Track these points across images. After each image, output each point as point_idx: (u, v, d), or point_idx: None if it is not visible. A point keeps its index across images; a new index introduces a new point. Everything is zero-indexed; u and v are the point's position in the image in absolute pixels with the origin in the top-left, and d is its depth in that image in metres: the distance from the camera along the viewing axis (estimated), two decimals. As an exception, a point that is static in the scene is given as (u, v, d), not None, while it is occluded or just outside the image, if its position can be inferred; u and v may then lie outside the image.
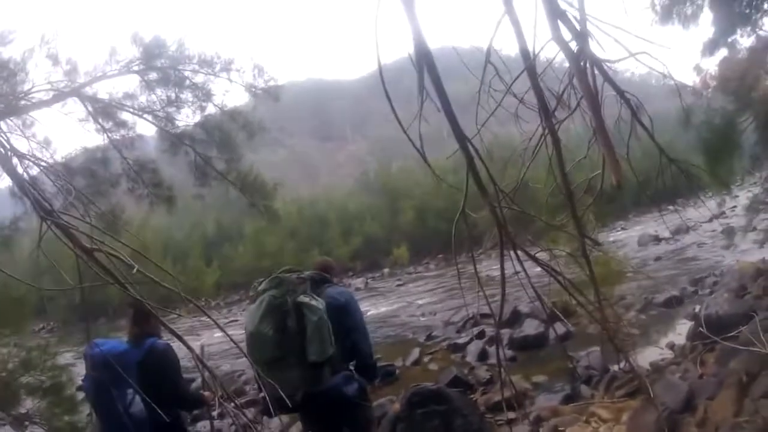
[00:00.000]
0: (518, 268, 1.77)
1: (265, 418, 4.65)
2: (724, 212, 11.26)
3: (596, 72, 2.29)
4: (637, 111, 2.92)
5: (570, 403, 4.15)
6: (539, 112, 1.95)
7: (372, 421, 3.13)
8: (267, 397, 2.05)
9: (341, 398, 2.72)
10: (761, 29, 6.64)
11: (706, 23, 7.77)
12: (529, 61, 1.81)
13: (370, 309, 11.31)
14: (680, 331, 5.50)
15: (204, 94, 8.22)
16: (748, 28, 6.73)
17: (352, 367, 2.92)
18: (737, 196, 10.91)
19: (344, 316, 2.83)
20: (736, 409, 3.08)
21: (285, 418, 4.26)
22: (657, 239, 13.05)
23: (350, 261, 21.31)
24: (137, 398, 2.40)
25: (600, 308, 2.15)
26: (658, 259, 10.68)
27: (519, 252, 1.80)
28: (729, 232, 8.34)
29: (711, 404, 3.26)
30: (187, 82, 8.09)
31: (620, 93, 2.87)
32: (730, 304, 4.84)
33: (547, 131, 2.04)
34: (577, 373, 4.69)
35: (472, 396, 4.66)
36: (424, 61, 1.47)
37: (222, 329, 1.98)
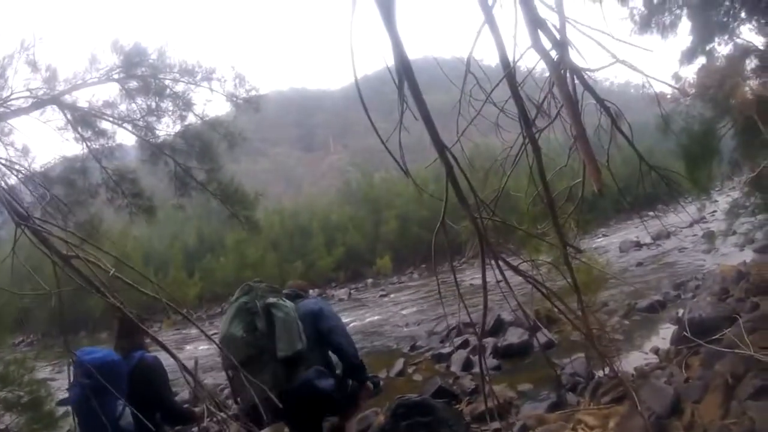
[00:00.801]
0: (500, 277, 1.73)
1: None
2: (704, 217, 11.47)
3: (576, 81, 2.29)
4: (616, 119, 2.92)
5: (556, 410, 4.08)
6: (519, 121, 1.95)
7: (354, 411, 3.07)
8: (258, 406, 2.00)
9: (315, 393, 2.70)
10: (738, 37, 6.81)
11: (683, 32, 7.92)
12: (508, 69, 1.79)
13: (354, 320, 11.15)
14: (664, 336, 5.49)
15: (184, 104, 8.14)
16: (726, 37, 6.88)
17: (339, 372, 2.90)
18: (716, 201, 11.15)
19: (320, 320, 2.88)
20: (723, 412, 3.05)
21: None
22: (638, 245, 13.20)
23: (333, 272, 21.10)
24: (127, 411, 2.31)
25: (583, 315, 2.13)
26: (639, 264, 10.78)
27: (500, 262, 1.78)
28: (709, 237, 8.48)
29: (698, 407, 3.22)
30: (168, 91, 8.03)
31: (600, 101, 2.87)
32: (713, 308, 4.85)
33: (527, 140, 2.04)
34: (562, 380, 4.64)
35: (457, 406, 4.56)
36: (403, 69, 1.43)
37: (207, 336, 1.94)
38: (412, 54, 1.45)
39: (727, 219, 7.27)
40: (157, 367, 2.49)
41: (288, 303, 2.83)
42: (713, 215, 12.31)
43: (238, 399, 2.97)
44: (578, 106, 2.64)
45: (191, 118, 8.24)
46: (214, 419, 1.89)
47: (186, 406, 2.87)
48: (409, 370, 6.61)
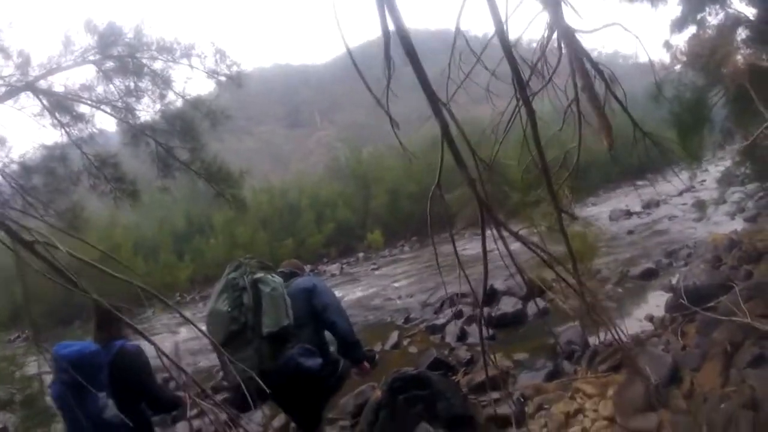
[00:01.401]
0: (493, 245, 1.65)
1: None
2: (693, 186, 11.49)
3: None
4: (610, 84, 2.80)
5: (553, 380, 4.08)
6: (513, 83, 1.85)
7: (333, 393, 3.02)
8: (244, 390, 1.90)
9: (299, 371, 2.62)
10: (730, 7, 6.67)
11: (674, 1, 7.76)
12: (500, 25, 1.65)
13: (347, 294, 11.12)
14: (658, 303, 5.49)
15: (164, 82, 7.93)
16: (717, 6, 6.74)
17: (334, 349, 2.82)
18: (707, 170, 11.17)
19: (314, 296, 2.81)
20: (723, 380, 3.04)
21: (267, 410, 4.07)
22: (628, 213, 13.23)
23: (324, 248, 20.98)
24: (110, 403, 2.22)
25: (580, 282, 2.07)
26: (630, 232, 10.80)
27: (500, 228, 1.68)
28: (700, 205, 8.50)
29: (697, 375, 3.22)
30: (146, 69, 7.79)
31: (594, 64, 2.75)
32: (707, 275, 4.84)
33: (520, 102, 1.97)
34: (560, 348, 4.63)
35: (454, 377, 4.54)
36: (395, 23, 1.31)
37: (187, 319, 1.85)
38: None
39: (719, 188, 7.27)
40: (138, 354, 2.37)
41: (276, 278, 2.75)
42: (702, 184, 12.34)
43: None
44: (582, 61, 2.53)
45: (171, 97, 8.06)
46: (198, 407, 1.79)
47: (181, 393, 2.77)
48: (404, 343, 6.60)
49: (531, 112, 1.92)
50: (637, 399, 3.18)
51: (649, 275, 6.91)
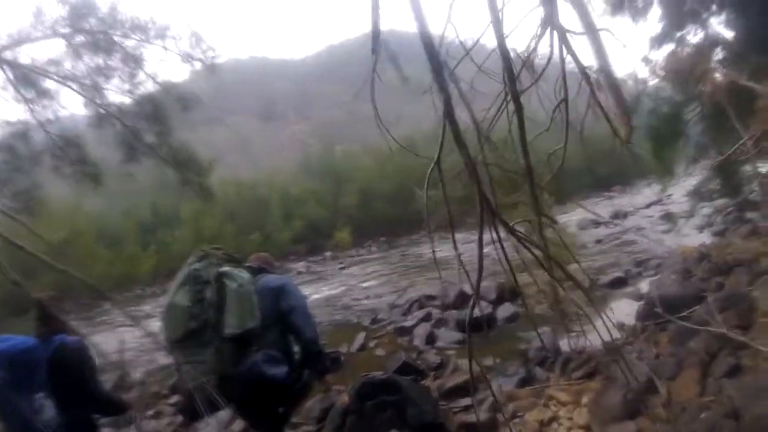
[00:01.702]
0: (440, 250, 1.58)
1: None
2: (661, 199, 11.75)
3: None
4: (595, 88, 2.75)
5: (526, 386, 3.96)
6: (503, 76, 1.78)
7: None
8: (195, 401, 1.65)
9: (262, 380, 2.36)
10: (708, 28, 6.82)
11: (654, 18, 7.90)
12: (495, 14, 1.62)
13: (314, 293, 10.85)
14: (628, 312, 5.48)
15: (135, 62, 7.60)
16: (697, 26, 6.88)
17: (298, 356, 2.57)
18: (676, 184, 11.45)
19: (282, 297, 2.53)
20: (700, 389, 2.98)
21: (224, 414, 3.78)
22: (596, 223, 13.44)
23: (291, 244, 20.60)
24: (48, 403, 1.99)
25: (584, 285, 1.98)
26: (599, 241, 10.93)
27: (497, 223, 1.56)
28: (670, 218, 8.67)
29: (673, 384, 3.14)
30: (118, 47, 7.46)
31: (581, 66, 2.68)
32: (678, 286, 4.85)
33: (509, 96, 1.88)
34: (545, 350, 4.54)
35: (423, 382, 4.37)
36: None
37: (134, 321, 1.66)
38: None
39: (689, 201, 7.39)
40: (79, 350, 2.11)
41: (244, 274, 2.49)
42: (670, 198, 12.63)
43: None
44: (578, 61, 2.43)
45: (142, 77, 7.71)
46: (148, 410, 1.57)
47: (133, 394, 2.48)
48: (371, 345, 6.41)
49: (519, 108, 1.84)
50: (614, 407, 3.10)
51: (619, 284, 6.94)
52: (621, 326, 5.20)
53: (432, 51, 1.29)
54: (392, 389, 3.05)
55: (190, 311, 2.35)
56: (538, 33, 2.68)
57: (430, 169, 1.41)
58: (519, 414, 3.36)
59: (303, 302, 2.66)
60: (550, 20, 2.56)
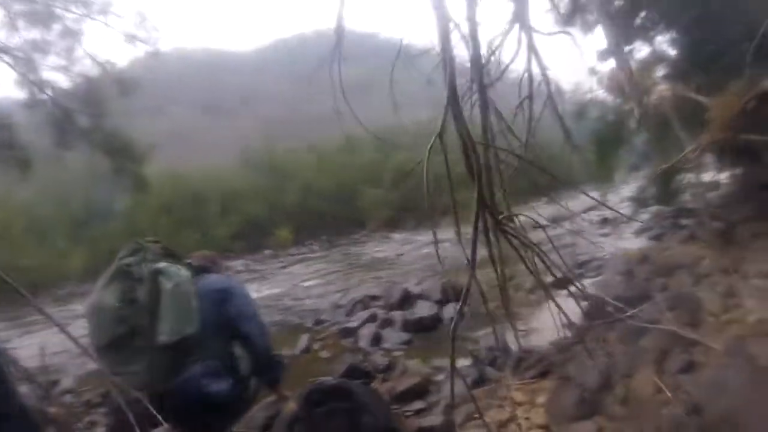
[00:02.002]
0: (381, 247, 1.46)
1: None
2: (600, 204, 12.23)
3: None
4: (552, 92, 2.82)
5: (479, 387, 3.83)
6: (470, 65, 1.81)
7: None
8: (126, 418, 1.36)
9: (202, 396, 2.07)
10: (655, 45, 7.14)
11: (601, 32, 8.22)
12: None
13: (253, 293, 10.33)
14: (574, 311, 5.54)
15: (74, 37, 7.04)
16: (641, 42, 7.19)
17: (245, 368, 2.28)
18: (615, 191, 11.99)
19: (228, 301, 2.27)
20: (656, 386, 2.97)
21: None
22: (536, 226, 13.83)
23: (230, 241, 19.69)
24: None
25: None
26: (538, 243, 11.17)
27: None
28: (608, 223, 9.02)
29: (629, 381, 3.12)
30: (57, 20, 7.00)
31: (542, 66, 2.72)
32: (624, 286, 4.94)
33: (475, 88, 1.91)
34: (495, 350, 4.45)
35: (371, 384, 4.15)
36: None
37: (53, 322, 1.49)
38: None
39: (630, 207, 7.71)
40: None
41: (183, 272, 2.17)
42: (607, 203, 13.21)
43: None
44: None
45: (80, 53, 7.10)
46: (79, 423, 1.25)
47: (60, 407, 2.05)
48: (315, 347, 6.13)
49: (485, 102, 1.83)
50: (570, 406, 3.06)
51: (562, 284, 7.03)
52: (568, 325, 5.25)
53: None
54: (343, 395, 2.79)
55: (118, 313, 2.02)
56: (507, 29, 2.65)
57: (429, 146, 1.39)
58: (475, 415, 3.22)
59: (252, 307, 2.40)
60: (520, 16, 2.55)
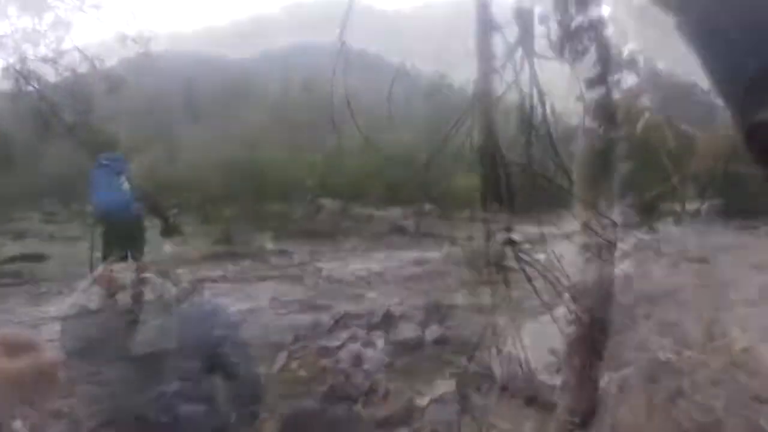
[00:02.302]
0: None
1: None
2: (584, 228, 12.44)
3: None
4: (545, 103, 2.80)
5: (464, 413, 3.73)
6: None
7: None
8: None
9: (175, 419, 1.92)
10: (640, 75, 7.32)
11: (590, 61, 8.46)
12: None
13: (229, 306, 10.04)
14: (553, 335, 5.51)
15: (64, 27, 6.98)
16: (628, 71, 7.37)
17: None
18: (599, 216, 12.19)
19: (210, 323, 2.20)
20: (648, 412, 2.94)
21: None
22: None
23: (210, 248, 19.32)
24: None
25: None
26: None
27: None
28: (590, 247, 9.09)
29: (618, 408, 3.08)
30: (49, 9, 7.13)
31: (541, 94, 2.73)
32: (608, 311, 4.91)
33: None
34: (480, 375, 4.35)
35: (353, 406, 4.01)
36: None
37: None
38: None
39: (615, 232, 7.76)
40: None
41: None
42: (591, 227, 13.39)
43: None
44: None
45: (69, 45, 7.01)
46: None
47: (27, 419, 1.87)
48: (293, 365, 5.90)
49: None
50: (560, 435, 2.95)
51: (545, 308, 7.03)
52: (552, 351, 5.20)
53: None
54: (323, 420, 2.66)
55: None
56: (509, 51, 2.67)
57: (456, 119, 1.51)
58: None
59: (236, 329, 2.24)
60: (523, 41, 2.55)
